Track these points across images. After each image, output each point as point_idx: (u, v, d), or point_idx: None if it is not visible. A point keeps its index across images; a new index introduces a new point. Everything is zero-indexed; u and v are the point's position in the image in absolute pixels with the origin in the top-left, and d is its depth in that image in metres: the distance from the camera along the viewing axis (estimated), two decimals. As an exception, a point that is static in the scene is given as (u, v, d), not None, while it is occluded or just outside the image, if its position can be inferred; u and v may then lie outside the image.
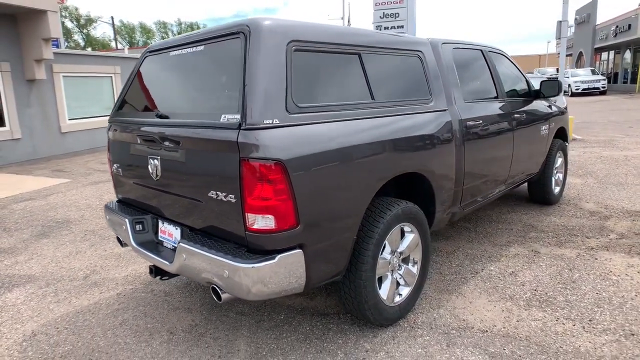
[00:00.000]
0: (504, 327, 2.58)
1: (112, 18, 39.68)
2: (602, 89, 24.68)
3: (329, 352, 2.40)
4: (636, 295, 2.89)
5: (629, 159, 7.46)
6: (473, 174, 3.26)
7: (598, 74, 26.16)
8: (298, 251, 1.99)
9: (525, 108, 4.07)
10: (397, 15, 14.26)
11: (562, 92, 10.13)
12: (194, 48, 2.36)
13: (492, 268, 3.40)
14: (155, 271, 2.55)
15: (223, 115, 1.97)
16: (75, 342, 2.62)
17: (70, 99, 11.08)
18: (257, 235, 1.93)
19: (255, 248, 1.97)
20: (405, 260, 2.76)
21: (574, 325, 2.58)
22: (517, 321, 2.65)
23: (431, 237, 4.14)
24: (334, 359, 2.35)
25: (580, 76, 25.66)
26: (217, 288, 2.06)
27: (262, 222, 1.90)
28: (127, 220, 2.61)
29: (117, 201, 3.03)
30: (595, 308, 2.76)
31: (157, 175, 2.40)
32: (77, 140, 11.20)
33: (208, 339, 2.59)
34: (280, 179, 1.87)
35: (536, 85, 4.46)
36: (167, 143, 2.28)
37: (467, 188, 3.24)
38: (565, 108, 11.20)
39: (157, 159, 2.38)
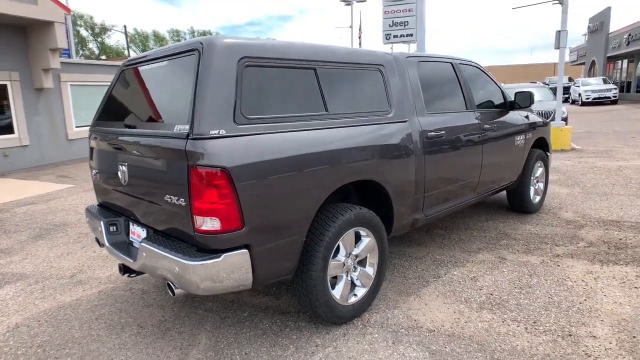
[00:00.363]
0: (451, 327, 2.75)
1: (125, 27, 40.74)
2: (613, 99, 24.50)
3: (282, 346, 2.60)
4: (585, 300, 3.03)
5: (621, 169, 7.52)
6: (435, 182, 3.44)
7: (610, 83, 25.98)
8: (243, 251, 2.21)
9: (497, 119, 4.24)
10: (406, 23, 14.46)
11: (561, 102, 10.19)
12: (160, 63, 2.62)
13: (455, 273, 3.57)
14: (124, 269, 2.79)
15: (176, 126, 2.20)
16: (53, 333, 2.86)
17: (77, 107, 11.53)
18: (204, 236, 2.15)
19: (204, 247, 2.19)
20: (362, 263, 2.96)
21: (517, 326, 2.74)
22: (465, 322, 2.81)
23: (403, 242, 4.32)
24: (285, 352, 2.55)
25: (591, 85, 25.53)
26: (171, 284, 2.29)
27: (208, 223, 2.13)
28: (102, 222, 2.86)
29: (97, 205, 3.29)
30: (542, 311, 2.91)
31: (125, 181, 2.65)
32: (83, 147, 11.62)
33: (173, 332, 2.81)
34: (225, 185, 2.09)
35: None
36: (132, 151, 2.53)
37: (429, 196, 3.42)
38: (566, 118, 11.19)
39: (125, 165, 2.63)
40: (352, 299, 2.87)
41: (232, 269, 2.19)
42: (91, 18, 55.51)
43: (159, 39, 72.53)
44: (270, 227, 2.30)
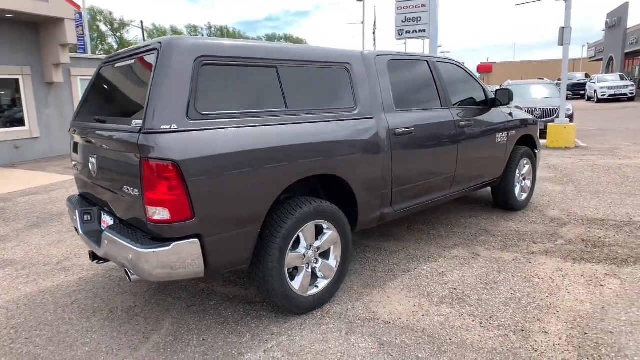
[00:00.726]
0: (407, 320, 2.80)
1: (142, 22, 41.27)
2: (630, 96, 23.88)
3: (239, 333, 2.70)
4: (547, 297, 3.04)
5: (621, 167, 7.39)
6: (404, 178, 3.47)
7: (627, 80, 25.32)
8: (194, 240, 2.30)
9: (476, 116, 4.24)
10: (419, 19, 14.36)
11: (565, 99, 10.02)
12: (128, 61, 2.72)
13: (424, 267, 3.60)
14: (93, 255, 2.91)
15: (134, 121, 2.30)
16: (28, 315, 3.01)
17: (86, 100, 11.70)
18: (156, 225, 2.25)
19: (157, 236, 2.29)
20: (325, 255, 3.02)
21: (473, 320, 2.77)
22: (423, 315, 2.86)
23: (382, 237, 4.36)
24: (240, 339, 2.64)
25: (607, 82, 24.92)
26: (127, 270, 2.39)
27: (159, 213, 2.22)
28: (77, 211, 2.99)
29: (78, 195, 3.43)
30: (501, 306, 2.93)
31: (95, 172, 2.77)
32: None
33: (140, 318, 2.93)
34: (174, 177, 2.18)
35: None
36: (98, 144, 2.64)
37: (398, 191, 3.46)
38: (571, 115, 10.99)
39: (94, 157, 2.74)
40: (313, 290, 2.93)
41: (183, 257, 2.28)
42: (110, 13, 56.48)
43: (177, 34, 73.18)
44: (223, 219, 2.38)
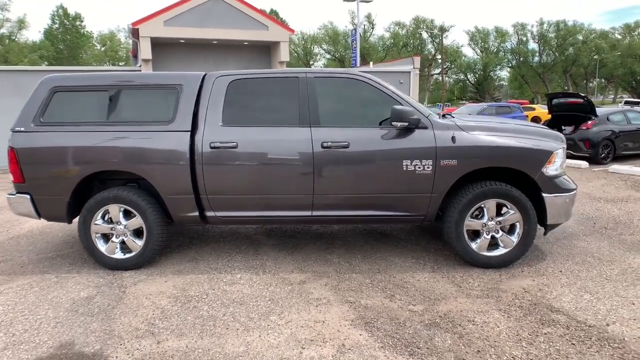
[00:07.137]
0: (141, 295, 3.61)
1: (442, 28, 43.48)
2: None
3: (59, 277, 4.26)
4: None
5: None
6: (223, 188, 3.99)
7: None
8: (26, 195, 4.06)
9: (363, 137, 3.94)
10: None
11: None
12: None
13: (235, 276, 3.99)
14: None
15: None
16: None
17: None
18: (12, 183, 4.15)
19: (15, 190, 4.18)
20: (137, 234, 4.13)
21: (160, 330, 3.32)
22: (150, 301, 3.57)
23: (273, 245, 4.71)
24: (46, 282, 4.18)
25: None
26: (17, 208, 4.41)
27: (11, 177, 4.10)
28: None
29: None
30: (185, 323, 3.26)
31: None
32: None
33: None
34: (13, 157, 4.00)
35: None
36: None
37: (217, 199, 4.00)
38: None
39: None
40: (119, 255, 4.12)
41: (22, 204, 4.10)
42: (432, 21, 61.85)
43: (500, 34, 72.21)
44: (40, 186, 4.04)
